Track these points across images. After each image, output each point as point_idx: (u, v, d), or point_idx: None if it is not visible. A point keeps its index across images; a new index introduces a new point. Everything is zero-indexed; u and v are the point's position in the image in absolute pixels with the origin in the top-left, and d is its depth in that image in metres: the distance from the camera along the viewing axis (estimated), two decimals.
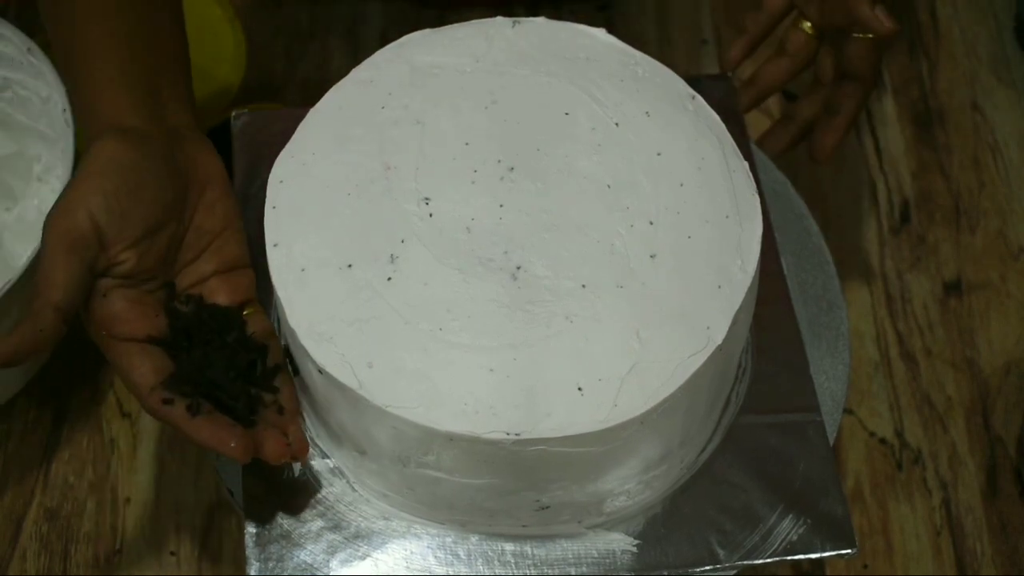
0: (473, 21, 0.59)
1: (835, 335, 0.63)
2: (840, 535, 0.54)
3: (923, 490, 0.73)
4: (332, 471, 0.55)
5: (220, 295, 0.54)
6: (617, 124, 0.56)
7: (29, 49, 0.72)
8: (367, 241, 0.52)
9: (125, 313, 0.51)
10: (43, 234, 0.50)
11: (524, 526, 0.54)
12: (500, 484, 0.51)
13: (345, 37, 0.91)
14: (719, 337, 0.50)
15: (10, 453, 0.73)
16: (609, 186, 0.54)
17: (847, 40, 0.66)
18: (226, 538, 0.71)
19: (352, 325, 0.50)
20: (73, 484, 0.73)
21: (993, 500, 0.73)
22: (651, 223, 0.53)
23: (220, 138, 0.72)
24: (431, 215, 0.53)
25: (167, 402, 0.50)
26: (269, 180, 0.54)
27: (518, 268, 0.52)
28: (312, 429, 0.55)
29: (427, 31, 0.59)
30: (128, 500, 0.72)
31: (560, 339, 0.50)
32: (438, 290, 0.51)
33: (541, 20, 0.59)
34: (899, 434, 0.75)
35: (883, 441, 0.75)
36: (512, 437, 0.48)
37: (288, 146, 0.55)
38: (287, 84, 0.89)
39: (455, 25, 0.59)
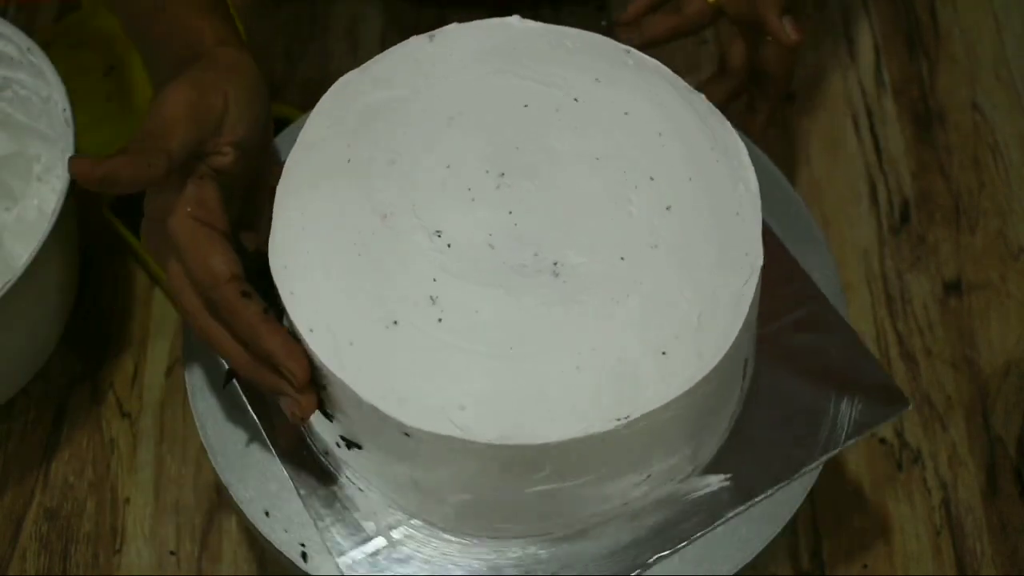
0: (393, 49, 0.59)
1: None
2: (893, 398, 0.58)
3: (923, 490, 0.73)
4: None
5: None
6: (576, 99, 0.56)
7: (29, 49, 0.72)
8: (400, 292, 0.51)
9: (214, 203, 0.52)
10: (168, 98, 0.51)
11: (625, 504, 0.55)
12: (613, 468, 0.52)
13: (345, 37, 0.91)
14: (759, 259, 0.52)
15: (10, 453, 0.73)
16: (598, 158, 0.55)
17: (762, 40, 0.69)
18: (226, 538, 0.71)
19: (425, 379, 0.49)
20: (73, 484, 0.73)
21: (993, 500, 0.73)
22: (651, 178, 0.54)
23: None
24: (449, 245, 0.52)
25: (245, 295, 0.50)
26: (272, 265, 0.53)
27: (555, 264, 0.52)
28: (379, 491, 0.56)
29: (352, 73, 0.58)
30: (128, 500, 0.72)
31: (627, 314, 0.50)
32: (491, 314, 0.50)
33: (453, 26, 0.59)
34: (899, 434, 0.75)
35: (883, 441, 0.75)
36: (623, 421, 0.48)
37: (275, 224, 0.53)
38: (287, 84, 0.89)
39: (375, 59, 0.58)
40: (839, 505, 0.72)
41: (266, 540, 0.56)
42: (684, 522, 0.55)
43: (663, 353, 0.50)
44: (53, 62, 0.71)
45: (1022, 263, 0.82)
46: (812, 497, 0.57)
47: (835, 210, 0.84)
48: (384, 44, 0.90)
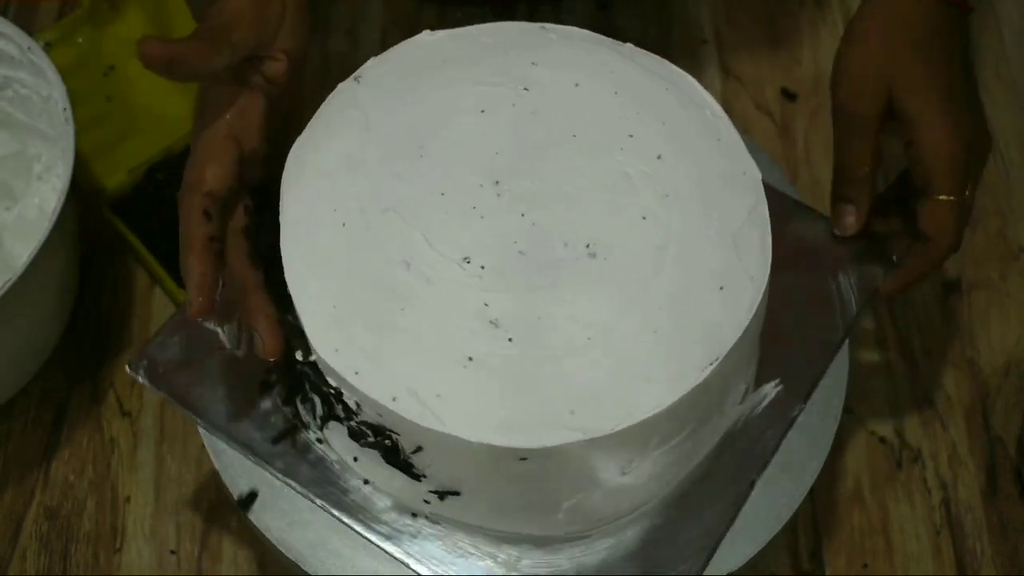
0: (336, 90, 0.58)
1: None
2: (876, 255, 0.61)
3: (923, 490, 0.73)
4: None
5: None
6: (526, 89, 0.57)
7: (29, 48, 0.72)
8: (460, 330, 0.51)
9: (254, 116, 0.54)
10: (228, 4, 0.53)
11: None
12: (707, 412, 0.53)
13: (345, 37, 0.91)
14: (756, 171, 0.55)
15: (10, 453, 0.73)
16: (575, 135, 0.56)
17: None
18: (226, 538, 0.71)
19: (525, 400, 0.49)
20: (73, 483, 0.73)
21: (993, 500, 0.73)
22: (631, 136, 0.56)
23: None
24: (483, 267, 0.52)
25: (207, 215, 0.52)
26: (321, 344, 0.51)
27: (588, 246, 0.53)
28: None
29: (305, 135, 0.57)
30: (128, 499, 0.72)
31: (674, 265, 0.52)
32: (553, 315, 0.51)
33: (424, 34, 0.60)
34: (899, 433, 0.75)
35: (883, 440, 0.75)
36: (714, 364, 0.50)
37: (292, 282, 0.53)
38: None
39: (320, 110, 0.58)
40: (839, 505, 0.72)
41: (266, 539, 0.56)
42: (762, 437, 0.57)
43: (721, 288, 0.52)
44: (53, 61, 0.71)
45: (1022, 263, 0.82)
46: (812, 497, 0.57)
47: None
48: (384, 44, 0.90)
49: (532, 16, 0.90)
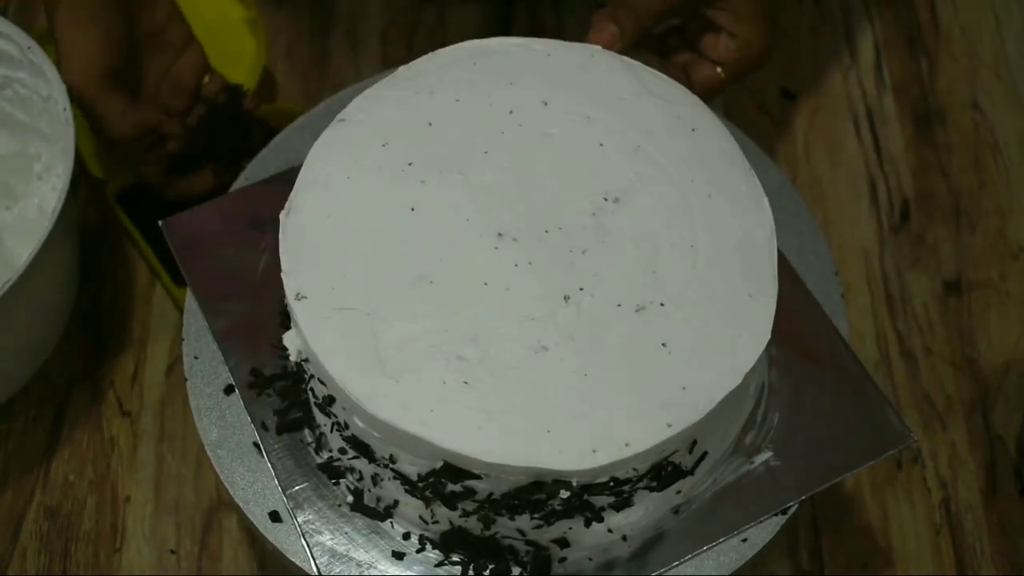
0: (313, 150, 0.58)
1: None
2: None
3: (923, 489, 0.73)
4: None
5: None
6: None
7: (29, 48, 0.72)
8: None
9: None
10: None
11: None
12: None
13: (345, 37, 0.91)
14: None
15: (10, 452, 0.73)
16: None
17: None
18: (226, 538, 0.71)
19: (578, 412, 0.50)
20: (73, 483, 0.73)
21: (993, 499, 0.73)
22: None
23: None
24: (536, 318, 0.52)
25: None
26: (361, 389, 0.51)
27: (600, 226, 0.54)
28: None
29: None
30: (128, 499, 0.72)
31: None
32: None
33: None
34: None
35: None
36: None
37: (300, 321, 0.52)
38: (288, 83, 0.89)
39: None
40: (839, 504, 0.72)
41: (266, 539, 0.56)
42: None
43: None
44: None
45: (1022, 263, 0.82)
46: (812, 497, 0.57)
47: (835, 210, 0.84)
48: (384, 44, 0.90)
49: (533, 16, 0.90)
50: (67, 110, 0.70)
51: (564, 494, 0.50)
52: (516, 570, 0.53)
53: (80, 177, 0.81)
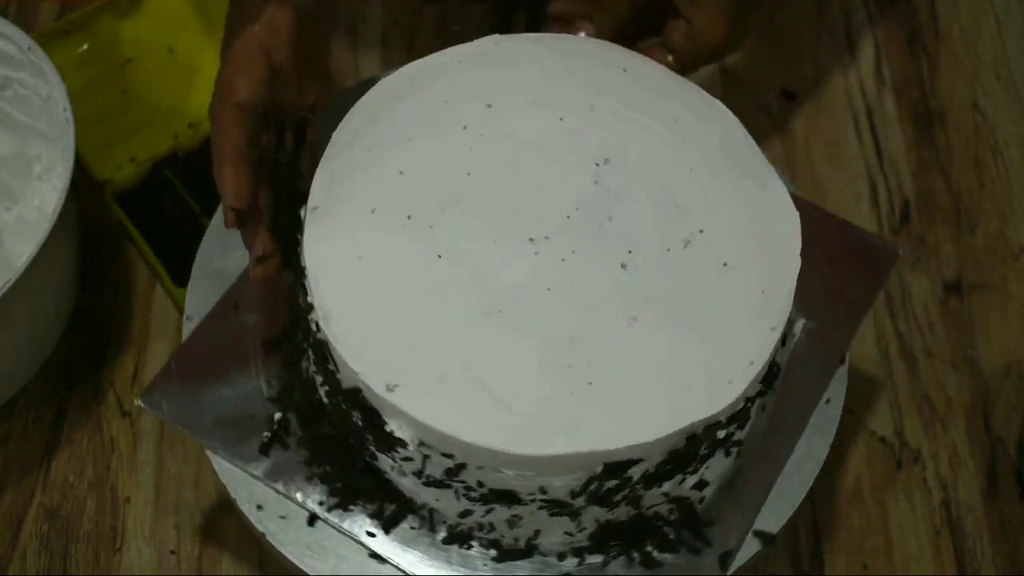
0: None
1: None
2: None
3: (923, 490, 0.73)
4: None
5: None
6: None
7: (29, 48, 0.72)
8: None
9: (284, 29, 0.53)
10: None
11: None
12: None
13: (345, 36, 0.91)
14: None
15: (10, 452, 0.73)
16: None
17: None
18: (226, 538, 0.71)
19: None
20: (73, 484, 0.73)
21: (993, 500, 0.73)
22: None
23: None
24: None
25: (239, 123, 0.52)
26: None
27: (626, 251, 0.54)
28: None
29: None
30: (128, 499, 0.72)
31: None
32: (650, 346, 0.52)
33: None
34: (899, 434, 0.75)
35: (883, 441, 0.75)
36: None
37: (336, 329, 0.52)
38: None
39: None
40: (839, 505, 0.72)
41: (265, 539, 0.56)
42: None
43: (761, 188, 0.55)
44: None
45: (1022, 263, 0.82)
46: (812, 497, 0.57)
47: (835, 210, 0.83)
48: (385, 44, 0.90)
49: (533, 15, 0.90)
50: (67, 110, 0.70)
51: (720, 433, 0.52)
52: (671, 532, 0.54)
53: (80, 178, 0.81)
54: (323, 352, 0.52)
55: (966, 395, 0.77)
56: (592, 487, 0.50)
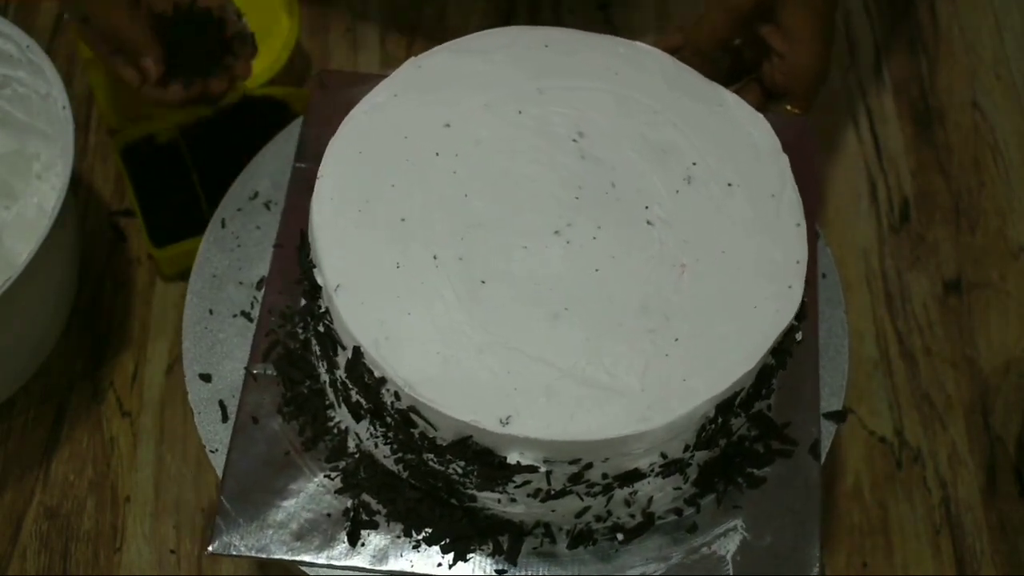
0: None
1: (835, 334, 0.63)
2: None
3: (923, 489, 0.73)
4: None
5: None
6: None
7: (28, 47, 0.72)
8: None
9: None
10: None
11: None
12: None
13: (345, 36, 0.91)
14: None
15: (10, 452, 0.73)
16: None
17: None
18: None
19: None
20: (73, 483, 0.72)
21: (993, 499, 0.73)
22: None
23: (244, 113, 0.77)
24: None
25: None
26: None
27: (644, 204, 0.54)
28: None
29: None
30: (128, 499, 0.72)
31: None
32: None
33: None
34: (899, 433, 0.75)
35: (883, 440, 0.75)
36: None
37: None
38: (287, 83, 0.89)
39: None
40: (839, 504, 0.72)
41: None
42: None
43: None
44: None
45: (1022, 263, 0.82)
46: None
47: (835, 209, 0.84)
48: (384, 44, 0.90)
49: (533, 15, 0.90)
50: (66, 108, 0.70)
51: (796, 336, 0.53)
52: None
53: (79, 175, 0.81)
54: (407, 417, 0.50)
55: (965, 394, 0.77)
56: (704, 434, 0.52)
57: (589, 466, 0.50)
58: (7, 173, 0.78)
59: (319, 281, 0.52)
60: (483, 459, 0.50)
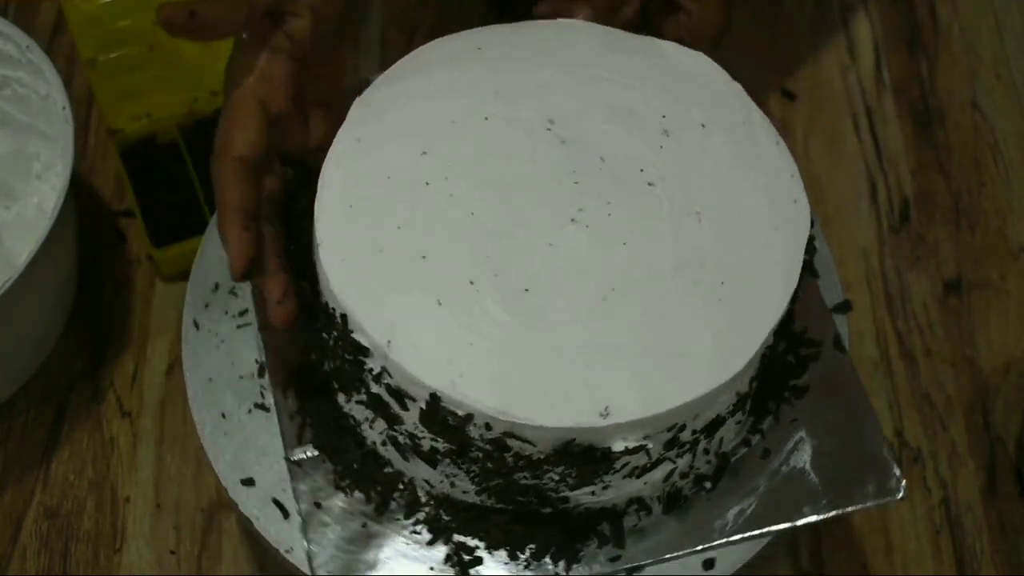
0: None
1: None
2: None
3: (923, 489, 0.73)
4: None
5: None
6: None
7: (28, 47, 0.72)
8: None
9: (279, 79, 0.52)
10: None
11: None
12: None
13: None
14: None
15: (10, 451, 0.73)
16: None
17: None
18: (226, 538, 0.71)
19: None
20: (73, 483, 0.73)
21: (993, 499, 0.73)
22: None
23: None
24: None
25: (240, 178, 0.51)
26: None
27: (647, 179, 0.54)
28: None
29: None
30: (128, 499, 0.72)
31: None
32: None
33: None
34: (899, 433, 0.75)
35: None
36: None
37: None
38: None
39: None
40: None
41: (265, 539, 0.56)
42: None
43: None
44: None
45: (1022, 263, 0.82)
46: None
47: (835, 209, 0.84)
48: (384, 44, 0.90)
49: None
50: (66, 109, 0.70)
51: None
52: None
53: (79, 176, 0.81)
54: (501, 444, 0.49)
55: (965, 394, 0.77)
56: (764, 361, 0.53)
57: (683, 427, 0.50)
58: (7, 173, 0.78)
59: (364, 343, 0.50)
60: (586, 456, 0.49)
